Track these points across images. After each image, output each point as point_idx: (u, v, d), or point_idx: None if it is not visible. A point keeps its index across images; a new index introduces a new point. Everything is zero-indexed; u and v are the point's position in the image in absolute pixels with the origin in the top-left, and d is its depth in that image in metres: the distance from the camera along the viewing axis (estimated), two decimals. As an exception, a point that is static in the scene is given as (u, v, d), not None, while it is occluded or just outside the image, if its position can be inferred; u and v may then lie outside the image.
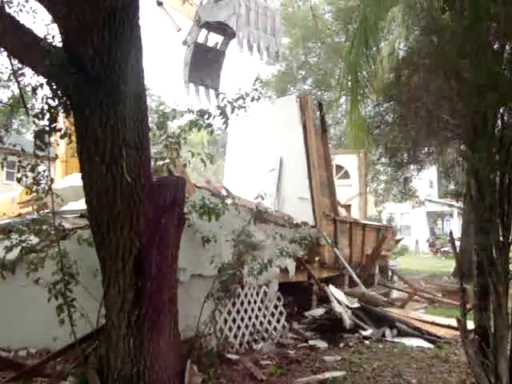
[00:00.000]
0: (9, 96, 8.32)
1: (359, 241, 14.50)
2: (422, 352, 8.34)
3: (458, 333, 6.90)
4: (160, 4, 14.86)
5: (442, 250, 37.97)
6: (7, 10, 5.97)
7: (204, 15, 13.60)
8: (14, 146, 6.47)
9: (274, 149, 13.78)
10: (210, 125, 6.87)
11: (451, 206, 39.20)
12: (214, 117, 6.78)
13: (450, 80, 5.42)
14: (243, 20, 12.86)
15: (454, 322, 7.04)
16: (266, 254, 7.91)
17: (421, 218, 47.56)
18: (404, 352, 8.30)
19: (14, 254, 6.80)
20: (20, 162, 6.10)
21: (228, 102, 6.76)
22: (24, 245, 6.67)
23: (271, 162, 13.75)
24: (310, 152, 12.93)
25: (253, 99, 6.88)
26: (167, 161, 7.00)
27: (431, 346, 8.72)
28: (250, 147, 14.65)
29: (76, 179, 11.80)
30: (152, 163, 6.24)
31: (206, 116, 6.83)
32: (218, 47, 14.60)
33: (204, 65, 14.42)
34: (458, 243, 18.61)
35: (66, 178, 13.33)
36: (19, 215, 9.90)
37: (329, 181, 13.82)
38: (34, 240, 6.93)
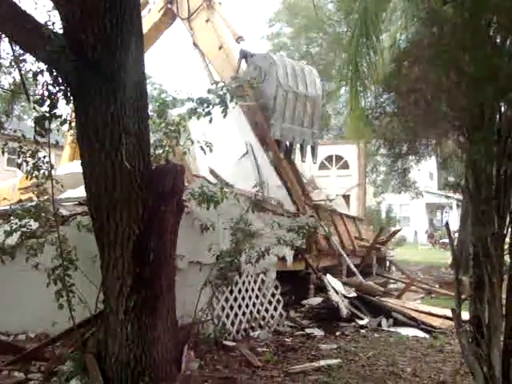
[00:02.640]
0: (10, 82, 8.35)
1: (343, 229, 14.43)
2: (418, 342, 8.40)
3: (453, 323, 6.95)
4: (195, 46, 14.30)
5: (441, 241, 37.99)
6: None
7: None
8: (15, 131, 6.49)
9: (243, 135, 13.33)
10: (209, 113, 6.90)
11: (450, 197, 39.35)
12: (214, 105, 6.81)
13: (450, 72, 5.43)
14: (278, 115, 12.43)
15: (449, 313, 7.08)
16: (263, 242, 7.95)
17: (420, 210, 47.61)
18: (399, 341, 8.37)
19: (13, 239, 6.86)
20: (21, 147, 6.12)
21: (227, 90, 6.79)
22: (24, 230, 6.72)
23: (241, 147, 13.18)
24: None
25: (252, 87, 6.90)
26: (167, 148, 7.02)
27: (427, 335, 8.79)
28: (218, 133, 14.37)
29: (76, 166, 11.84)
30: (151, 151, 6.26)
31: (205, 104, 6.85)
32: None
33: None
34: (456, 235, 18.70)
35: (67, 165, 13.37)
36: (20, 201, 9.94)
37: (293, 167, 13.73)
38: (34, 225, 6.97)
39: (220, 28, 13.69)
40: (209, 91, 7.02)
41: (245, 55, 13.18)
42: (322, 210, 13.48)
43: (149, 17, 14.78)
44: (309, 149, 13.59)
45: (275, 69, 12.37)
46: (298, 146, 13.51)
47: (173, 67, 65.28)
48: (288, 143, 13.20)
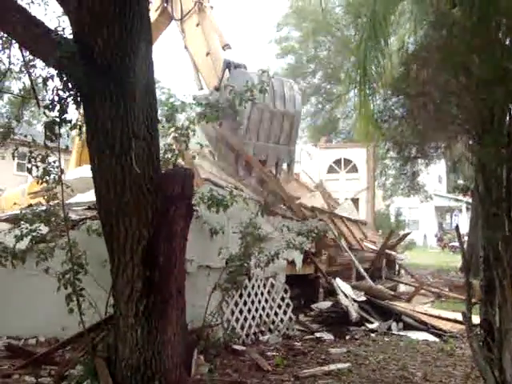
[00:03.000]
0: (20, 87, 8.40)
1: (346, 231, 14.38)
2: (428, 345, 8.37)
3: (463, 327, 6.92)
4: (186, 49, 14.21)
5: (450, 244, 37.84)
6: (19, 2, 6.01)
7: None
8: (25, 136, 6.53)
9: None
10: (217, 117, 6.92)
11: (459, 200, 39.17)
12: (223, 109, 6.83)
13: (459, 75, 5.43)
14: (252, 134, 12.49)
15: (459, 316, 7.07)
16: (273, 246, 7.95)
17: (429, 213, 47.45)
18: (410, 345, 8.34)
19: (24, 244, 6.88)
20: (31, 152, 6.15)
21: (236, 94, 6.81)
22: (34, 234, 6.75)
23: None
24: None
25: (261, 91, 6.92)
26: (176, 152, 7.04)
27: (437, 339, 8.75)
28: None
29: (86, 171, 11.85)
30: (161, 155, 6.28)
31: (214, 108, 6.88)
32: None
33: None
34: (466, 238, 18.62)
35: (77, 170, 13.41)
36: (30, 206, 9.99)
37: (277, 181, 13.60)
38: (44, 230, 7.01)
39: (210, 33, 13.52)
40: (194, 98, 7.05)
41: (228, 65, 13.12)
42: (320, 212, 13.42)
43: None
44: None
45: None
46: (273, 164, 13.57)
47: (179, 71, 65.14)
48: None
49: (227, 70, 13.07)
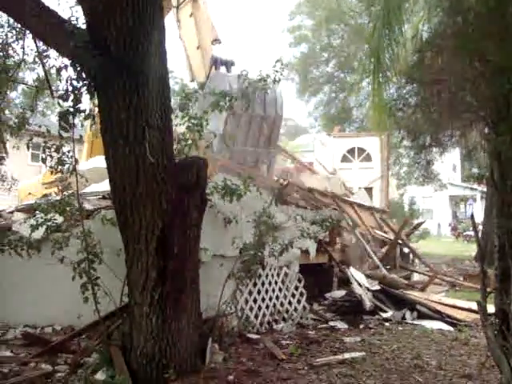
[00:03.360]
0: (34, 78, 8.44)
1: (356, 218, 14.26)
2: (442, 335, 8.34)
3: (478, 316, 6.89)
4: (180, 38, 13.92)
5: (465, 233, 37.64)
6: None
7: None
8: (40, 127, 6.56)
9: None
10: (231, 106, 6.91)
11: (474, 189, 38.95)
12: (236, 98, 6.82)
13: (474, 62, 5.37)
14: (227, 139, 12.31)
15: (474, 306, 7.03)
16: (286, 235, 7.95)
17: (443, 202, 47.25)
18: (424, 334, 8.31)
19: (39, 233, 6.94)
20: (45, 142, 6.18)
21: (249, 83, 6.79)
22: (49, 224, 6.80)
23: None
24: None
25: (274, 81, 6.90)
26: (189, 142, 7.04)
27: (451, 328, 8.71)
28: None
29: (100, 161, 11.89)
30: (174, 144, 6.29)
31: (227, 98, 6.86)
32: None
33: None
34: (480, 227, 18.51)
35: (90, 160, 13.45)
36: (44, 196, 10.05)
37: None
38: (59, 219, 7.05)
39: (201, 25, 13.28)
40: (186, 95, 7.03)
41: (215, 62, 13.04)
42: (321, 195, 13.32)
43: None
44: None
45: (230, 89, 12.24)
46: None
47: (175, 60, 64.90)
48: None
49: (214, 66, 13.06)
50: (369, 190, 21.83)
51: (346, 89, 35.71)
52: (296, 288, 9.14)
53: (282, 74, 7.00)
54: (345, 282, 10.44)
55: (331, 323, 8.99)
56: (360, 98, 33.76)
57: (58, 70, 5.52)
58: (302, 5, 35.86)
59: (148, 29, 5.21)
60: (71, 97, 5.43)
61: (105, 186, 8.18)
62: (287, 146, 30.05)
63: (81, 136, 6.14)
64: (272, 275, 8.82)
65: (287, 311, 8.91)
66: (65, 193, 7.03)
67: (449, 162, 37.78)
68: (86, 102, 5.82)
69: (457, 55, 5.53)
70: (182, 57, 14.07)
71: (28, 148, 6.51)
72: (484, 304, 5.40)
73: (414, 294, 10.27)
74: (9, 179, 11.89)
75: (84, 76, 5.32)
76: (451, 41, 5.64)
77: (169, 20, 13.82)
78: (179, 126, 7.09)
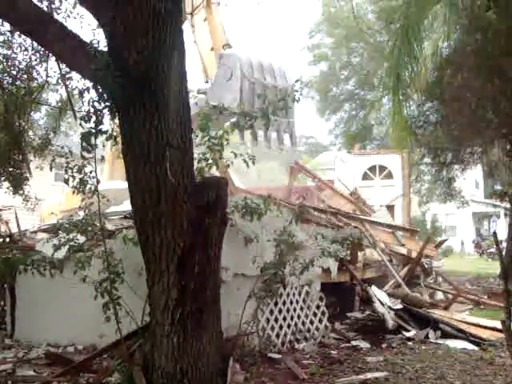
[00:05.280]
0: (57, 99, 8.58)
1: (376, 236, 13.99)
2: (466, 354, 8.21)
3: (503, 335, 6.79)
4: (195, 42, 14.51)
5: (488, 251, 37.17)
6: (56, 16, 6.15)
7: (209, 97, 12.57)
8: (62, 147, 6.64)
9: None
10: (251, 126, 6.94)
11: (497, 206, 38.49)
12: (256, 118, 6.84)
13: (494, 79, 5.37)
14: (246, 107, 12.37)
15: (498, 324, 6.94)
16: (307, 254, 7.92)
17: (466, 219, 46.77)
18: (448, 354, 8.19)
19: (62, 253, 7.00)
20: (68, 163, 6.25)
21: (269, 103, 6.81)
22: (71, 243, 6.85)
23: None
24: None
25: (294, 100, 6.92)
26: (210, 161, 7.07)
27: (476, 348, 8.58)
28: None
29: (114, 183, 12.02)
30: (195, 164, 6.32)
31: (247, 117, 6.89)
32: None
33: None
34: (504, 244, 18.24)
35: (106, 183, 13.60)
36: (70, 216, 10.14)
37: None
38: (81, 239, 7.11)
39: (216, 29, 13.80)
40: (198, 91, 6.97)
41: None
42: (352, 220, 13.19)
43: None
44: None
45: (239, 63, 12.52)
46: (274, 134, 13.42)
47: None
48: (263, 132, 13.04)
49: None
50: (390, 208, 21.74)
51: (367, 106, 35.69)
52: (317, 307, 9.09)
53: (301, 94, 7.01)
54: (367, 301, 10.35)
55: (353, 342, 8.91)
56: (380, 116, 33.68)
57: (81, 92, 5.60)
58: (322, 23, 36.07)
59: (168, 51, 5.27)
60: (93, 118, 5.50)
61: (125, 206, 8.24)
62: (308, 164, 30.05)
63: (102, 157, 6.20)
64: (293, 294, 8.79)
65: (309, 330, 8.86)
66: (86, 212, 7.09)
67: (471, 179, 37.42)
68: (108, 123, 5.90)
69: (477, 72, 5.53)
70: (196, 60, 14.60)
71: (51, 168, 6.58)
72: (509, 323, 5.34)
73: (437, 313, 10.15)
74: (32, 199, 12.02)
75: (105, 98, 5.39)
76: (471, 58, 5.65)
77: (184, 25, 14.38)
78: (200, 146, 7.14)
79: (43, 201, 15.96)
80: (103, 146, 6.50)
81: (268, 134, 13.27)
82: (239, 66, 12.47)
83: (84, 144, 5.62)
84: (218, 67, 13.20)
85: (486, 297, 14.40)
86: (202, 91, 13.26)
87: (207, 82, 14.18)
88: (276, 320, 8.37)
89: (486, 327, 9.54)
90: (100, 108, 5.46)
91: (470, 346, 8.66)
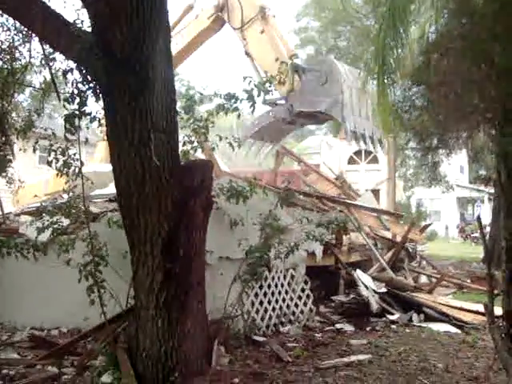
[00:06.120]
0: (41, 81, 8.48)
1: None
2: (449, 337, 8.30)
3: (485, 318, 6.86)
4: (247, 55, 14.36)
5: (472, 235, 37.50)
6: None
7: (298, 104, 12.79)
8: (46, 129, 6.57)
9: None
10: (236, 108, 6.91)
11: (481, 191, 38.79)
12: (241, 100, 6.81)
13: (480, 63, 5.36)
14: (348, 109, 12.42)
15: (481, 308, 7.00)
16: (292, 237, 7.94)
17: (451, 204, 47.04)
18: (431, 337, 8.28)
19: (45, 236, 6.95)
20: (51, 145, 6.19)
21: (255, 85, 6.78)
22: (55, 226, 6.81)
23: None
24: None
25: (279, 82, 6.89)
26: (195, 144, 7.04)
27: (458, 331, 8.68)
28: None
29: (98, 166, 11.93)
30: (180, 147, 6.29)
31: (233, 100, 6.86)
32: None
33: None
34: (488, 229, 18.42)
35: (89, 165, 13.53)
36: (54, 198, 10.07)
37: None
38: (65, 222, 7.07)
39: (275, 40, 13.70)
40: (264, 101, 6.97)
41: (296, 69, 13.22)
42: (338, 203, 13.26)
43: (196, 23, 15.11)
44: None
45: (337, 68, 12.55)
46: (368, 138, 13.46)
47: (201, 63, 65.18)
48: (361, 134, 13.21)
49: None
50: (376, 192, 21.80)
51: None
52: (302, 290, 9.13)
53: (287, 77, 6.99)
54: (351, 285, 10.41)
55: (338, 326, 8.97)
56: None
57: (64, 73, 5.55)
58: (309, 6, 35.84)
59: (153, 32, 5.20)
60: (77, 100, 5.45)
61: (109, 190, 8.19)
62: (294, 149, 30.05)
63: (87, 139, 6.14)
64: (278, 277, 8.80)
65: (293, 314, 8.89)
66: (70, 195, 7.04)
67: (456, 164, 37.61)
68: (94, 105, 5.84)
69: (463, 57, 5.52)
70: (249, 71, 14.35)
71: (34, 151, 6.50)
72: (491, 306, 5.38)
73: (421, 297, 10.23)
74: (16, 181, 11.90)
75: (89, 79, 5.33)
76: (457, 42, 5.62)
77: (234, 38, 14.58)
78: (185, 128, 7.10)
79: (26, 183, 15.85)
80: (87, 128, 6.42)
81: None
82: (338, 70, 12.51)
83: (67, 126, 5.57)
84: (306, 74, 13.04)
85: (469, 281, 14.54)
86: (273, 101, 13.34)
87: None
88: (261, 303, 8.39)
89: (468, 310, 9.64)
90: (84, 89, 5.41)
91: (453, 329, 8.75)
